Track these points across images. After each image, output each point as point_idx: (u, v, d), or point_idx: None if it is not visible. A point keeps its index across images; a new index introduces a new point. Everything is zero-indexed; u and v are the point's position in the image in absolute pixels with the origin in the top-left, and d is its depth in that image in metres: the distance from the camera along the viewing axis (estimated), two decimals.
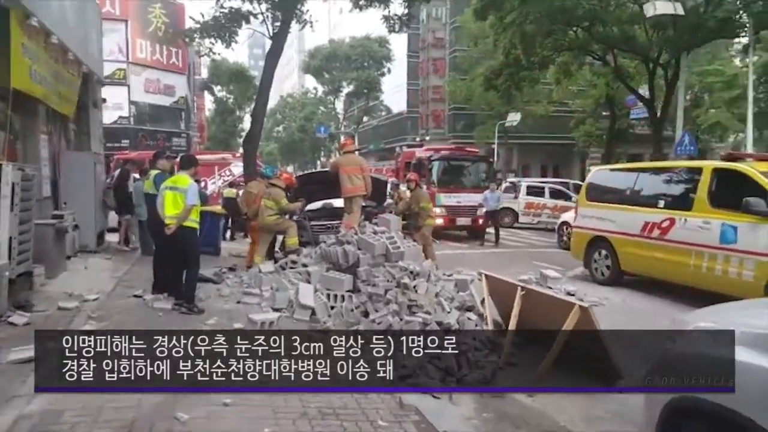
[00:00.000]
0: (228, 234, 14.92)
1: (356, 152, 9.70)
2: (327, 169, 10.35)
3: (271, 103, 66.44)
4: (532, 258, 12.24)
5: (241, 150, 41.60)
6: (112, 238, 11.85)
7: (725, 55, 27.25)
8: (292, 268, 8.07)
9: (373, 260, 7.27)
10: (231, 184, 17.71)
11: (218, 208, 12.52)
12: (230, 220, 14.50)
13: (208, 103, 54.37)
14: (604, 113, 33.81)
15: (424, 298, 5.93)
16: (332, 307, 6.56)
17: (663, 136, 19.54)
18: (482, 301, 6.06)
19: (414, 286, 6.21)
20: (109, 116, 33.28)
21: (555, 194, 19.30)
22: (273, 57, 12.59)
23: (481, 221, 15.32)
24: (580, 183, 23.80)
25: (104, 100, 14.07)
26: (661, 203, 8.37)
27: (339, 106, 52.00)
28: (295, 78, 76.17)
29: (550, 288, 7.22)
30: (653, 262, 8.39)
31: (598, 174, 10.41)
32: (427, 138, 39.56)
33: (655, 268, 8.45)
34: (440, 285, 6.70)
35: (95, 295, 6.98)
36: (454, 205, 15.31)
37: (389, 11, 14.38)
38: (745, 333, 2.69)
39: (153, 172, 7.74)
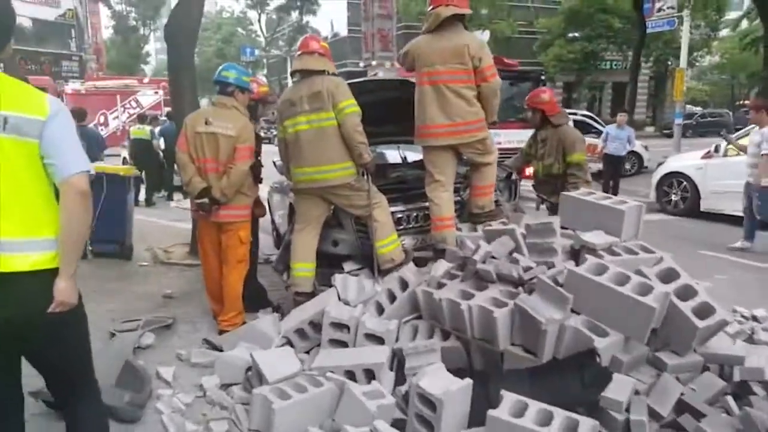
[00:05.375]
0: (141, 195, 9.43)
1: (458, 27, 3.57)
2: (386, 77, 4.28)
3: None
4: (663, 232, 7.21)
5: (148, 77, 34.68)
6: None
7: None
8: (335, 341, 3.07)
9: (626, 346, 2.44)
10: (140, 119, 11.55)
11: (124, 169, 6.55)
12: (143, 174, 9.18)
13: (105, 20, 45.40)
14: (571, 34, 29.82)
15: None
16: None
17: None
18: None
19: None
20: None
21: (582, 129, 14.68)
22: None
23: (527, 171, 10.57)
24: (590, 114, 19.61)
25: None
26: None
27: (262, 25, 44.51)
28: None
29: None
30: None
31: None
32: (373, 63, 33.93)
33: None
34: None
35: None
36: None
37: None
38: None
39: None
